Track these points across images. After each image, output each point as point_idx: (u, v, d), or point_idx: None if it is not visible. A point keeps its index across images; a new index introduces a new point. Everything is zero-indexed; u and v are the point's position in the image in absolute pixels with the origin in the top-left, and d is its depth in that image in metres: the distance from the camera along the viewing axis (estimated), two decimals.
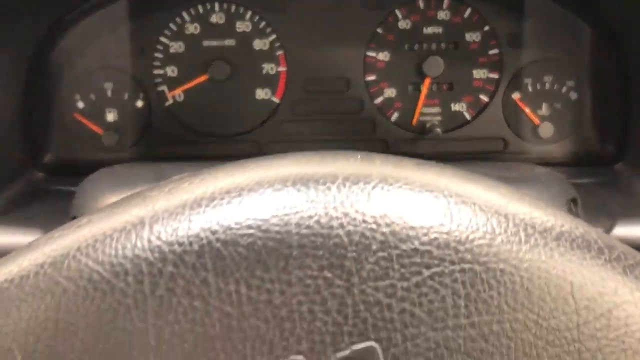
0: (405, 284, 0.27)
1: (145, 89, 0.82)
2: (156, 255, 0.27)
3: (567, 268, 0.28)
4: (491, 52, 0.81)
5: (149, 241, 0.28)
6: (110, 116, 0.82)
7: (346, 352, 0.27)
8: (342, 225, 0.27)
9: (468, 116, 0.82)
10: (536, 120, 0.82)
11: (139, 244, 0.28)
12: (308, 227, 0.27)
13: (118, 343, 0.27)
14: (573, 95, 0.82)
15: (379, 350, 0.27)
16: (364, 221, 0.27)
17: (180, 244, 0.28)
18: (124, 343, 0.27)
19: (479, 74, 0.81)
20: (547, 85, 0.82)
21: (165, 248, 0.28)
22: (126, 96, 0.82)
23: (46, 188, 0.80)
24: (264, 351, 0.27)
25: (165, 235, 0.28)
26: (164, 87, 0.82)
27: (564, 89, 0.82)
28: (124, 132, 0.82)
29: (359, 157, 0.31)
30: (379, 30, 0.81)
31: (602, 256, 0.29)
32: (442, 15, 0.81)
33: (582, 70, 0.82)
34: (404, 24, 0.81)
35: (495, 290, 0.27)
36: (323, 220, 0.27)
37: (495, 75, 0.82)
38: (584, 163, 0.82)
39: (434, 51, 0.81)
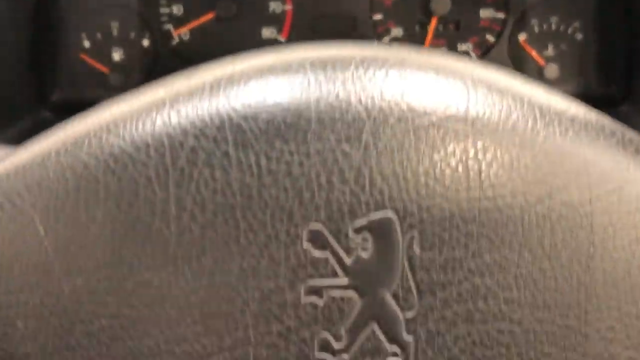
0: (420, 157, 0.28)
1: (152, 27, 0.82)
2: (177, 129, 0.28)
3: (580, 144, 0.29)
4: None
5: (170, 117, 0.28)
6: (117, 55, 0.82)
7: (363, 221, 0.28)
8: (360, 101, 0.28)
9: (474, 57, 0.83)
10: (541, 62, 0.82)
11: (159, 120, 0.28)
12: (327, 102, 0.28)
13: (140, 213, 0.28)
14: (579, 36, 0.82)
15: (395, 219, 0.28)
16: (382, 97, 0.28)
17: (201, 119, 0.28)
18: (146, 212, 0.28)
19: (485, 13, 0.81)
20: (553, 26, 0.82)
21: (186, 123, 0.28)
22: (132, 35, 0.82)
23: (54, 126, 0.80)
24: (284, 219, 0.27)
25: (185, 111, 0.28)
26: (169, 26, 0.82)
27: (569, 30, 0.82)
28: (130, 71, 0.82)
29: (375, 44, 0.32)
30: None
31: (615, 137, 0.29)
32: None
33: (588, 11, 0.82)
34: None
35: (509, 164, 0.28)
36: (342, 96, 0.28)
37: (501, 15, 0.81)
38: (589, 105, 0.82)
39: None
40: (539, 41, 0.82)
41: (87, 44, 0.82)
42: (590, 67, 0.83)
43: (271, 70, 0.29)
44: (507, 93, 0.29)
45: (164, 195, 0.28)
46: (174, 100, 0.29)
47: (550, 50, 0.82)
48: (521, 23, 0.82)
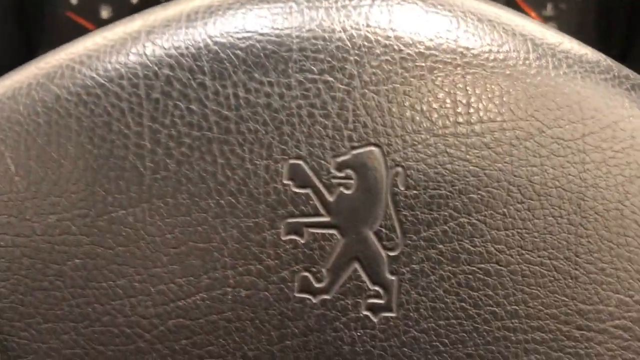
0: (407, 88, 0.26)
1: None
2: (152, 58, 0.27)
3: (574, 78, 0.27)
4: None
5: (145, 47, 0.27)
6: (105, 13, 0.80)
7: (346, 157, 0.27)
8: (344, 29, 0.27)
9: None
10: (540, 21, 0.80)
11: (134, 50, 0.27)
12: (309, 30, 0.27)
13: (113, 147, 0.27)
14: None
15: (379, 155, 0.26)
16: (368, 25, 0.27)
17: (177, 48, 0.27)
18: (119, 146, 0.27)
19: None
20: None
21: (161, 52, 0.27)
22: None
23: None
24: (263, 155, 0.26)
25: (161, 40, 0.27)
26: None
27: None
28: None
29: None
30: None
31: (611, 72, 0.28)
32: None
33: None
34: None
35: (499, 96, 0.27)
36: (325, 24, 0.27)
37: None
38: None
39: None
40: (538, 0, 0.81)
41: (74, 1, 0.80)
42: (589, 27, 0.81)
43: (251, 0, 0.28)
44: (498, 24, 0.28)
45: (138, 129, 0.27)
46: (150, 30, 0.28)
47: (549, 10, 0.81)
48: None
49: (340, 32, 0.26)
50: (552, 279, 0.27)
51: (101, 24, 0.80)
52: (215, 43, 0.27)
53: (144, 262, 0.27)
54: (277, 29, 0.27)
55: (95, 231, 0.27)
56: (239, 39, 0.27)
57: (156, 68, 0.26)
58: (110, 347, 0.28)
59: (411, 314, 0.27)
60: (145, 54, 0.27)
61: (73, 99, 0.27)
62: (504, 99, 0.27)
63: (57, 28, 0.81)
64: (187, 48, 0.27)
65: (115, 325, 0.28)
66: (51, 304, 0.28)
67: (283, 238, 0.27)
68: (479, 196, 0.27)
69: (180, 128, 0.26)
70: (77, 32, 0.81)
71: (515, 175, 0.27)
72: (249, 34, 0.27)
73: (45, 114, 0.27)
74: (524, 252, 0.27)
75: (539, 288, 0.28)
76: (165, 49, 0.27)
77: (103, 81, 0.27)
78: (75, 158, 0.27)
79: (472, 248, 0.27)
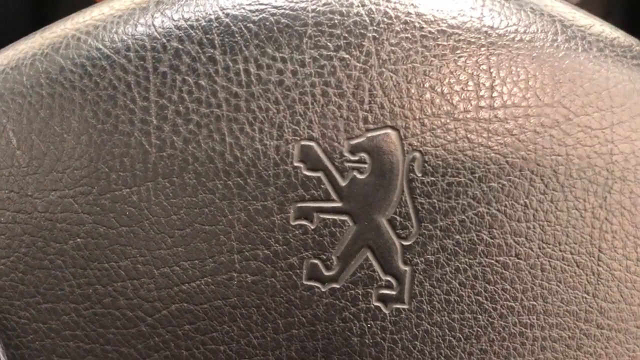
0: (427, 68, 0.25)
1: None
2: (160, 30, 0.25)
3: (604, 62, 0.26)
4: None
5: (153, 18, 0.26)
6: None
7: (361, 139, 0.25)
8: (362, 4, 0.25)
9: None
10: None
11: (142, 20, 0.26)
12: (326, 3, 0.25)
13: (118, 122, 0.26)
14: None
15: (396, 139, 0.25)
16: (388, 0, 0.25)
17: (187, 19, 0.25)
18: (124, 122, 0.25)
19: None
20: None
21: (170, 23, 0.25)
22: None
23: None
24: (273, 135, 0.25)
25: (170, 11, 0.26)
26: None
27: None
28: None
29: None
30: None
31: None
32: None
33: None
34: None
35: (524, 80, 0.25)
36: None
37: None
38: None
39: None
40: None
41: None
42: (616, 15, 0.79)
43: None
44: (525, 4, 0.26)
45: (145, 104, 0.25)
46: (159, 1, 0.26)
47: None
48: None
49: (358, 6, 0.25)
50: (573, 274, 0.26)
51: None
52: (227, 15, 0.25)
53: (148, 244, 0.26)
54: (292, 1, 0.25)
55: (98, 210, 0.26)
56: (251, 11, 0.25)
57: (164, 40, 0.25)
58: (111, 329, 0.27)
59: (424, 306, 0.26)
60: (154, 25, 0.25)
61: (78, 70, 0.26)
62: (530, 83, 0.25)
63: (71, 3, 0.80)
64: (197, 20, 0.25)
65: (117, 307, 0.27)
66: (52, 284, 0.27)
67: (292, 223, 0.26)
68: (499, 185, 0.25)
69: (188, 104, 0.25)
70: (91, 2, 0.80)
71: (538, 165, 0.25)
72: (263, 7, 0.25)
73: (49, 86, 0.26)
74: (544, 245, 0.26)
75: (559, 283, 0.26)
76: (174, 20, 0.25)
77: (109, 53, 0.25)
78: (79, 133, 0.26)
79: (490, 239, 0.26)
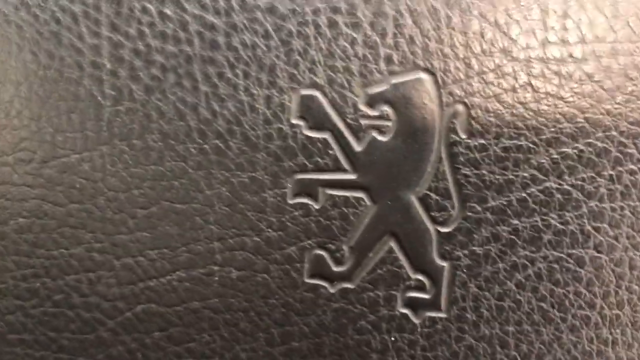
0: None
1: None
2: None
3: None
4: None
5: None
6: None
7: (382, 87, 0.18)
8: None
9: None
10: None
11: None
12: None
13: (63, 66, 0.20)
14: None
15: (431, 86, 0.18)
16: None
17: None
18: (71, 66, 0.20)
19: None
20: None
21: None
22: None
23: None
24: (262, 81, 0.19)
25: None
26: None
27: None
28: None
29: None
30: None
31: None
32: None
33: None
34: None
35: (611, 4, 0.18)
36: None
37: None
38: None
39: None
40: None
41: None
42: None
43: None
44: None
45: (95, 41, 0.19)
46: None
47: None
48: None
49: None
50: None
51: None
52: None
53: (104, 226, 0.20)
54: None
55: (42, 181, 0.20)
56: None
57: None
58: (65, 334, 0.21)
59: (468, 315, 0.19)
60: None
61: (12, 0, 0.20)
62: (619, 8, 0.18)
63: None
64: None
65: (70, 306, 0.21)
66: None
67: (290, 201, 0.19)
68: (575, 151, 0.18)
69: (149, 40, 0.19)
70: None
71: (630, 123, 0.18)
72: None
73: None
74: (636, 235, 0.19)
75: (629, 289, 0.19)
76: None
77: None
78: (17, 82, 0.20)
79: (560, 226, 0.19)
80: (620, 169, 0.19)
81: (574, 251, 0.19)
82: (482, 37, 0.18)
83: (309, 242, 0.20)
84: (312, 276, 0.20)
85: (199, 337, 0.21)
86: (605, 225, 0.19)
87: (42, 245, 0.21)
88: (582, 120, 0.19)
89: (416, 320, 0.20)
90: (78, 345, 0.21)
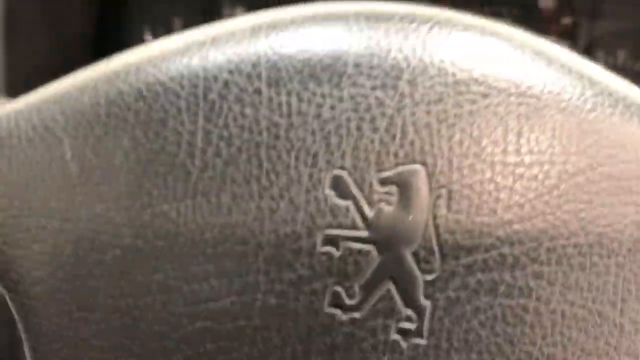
0: (458, 111, 0.26)
1: None
2: (213, 63, 0.28)
3: (630, 119, 0.27)
4: (565, 20, 0.79)
5: (208, 53, 0.28)
6: None
7: (390, 173, 0.27)
8: (400, 50, 0.27)
9: None
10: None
11: (197, 55, 0.28)
12: (366, 47, 0.27)
13: (166, 142, 0.28)
14: None
15: (424, 175, 0.26)
16: (424, 48, 0.27)
17: (238, 55, 0.28)
18: (172, 143, 0.27)
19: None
20: (620, 61, 0.79)
21: (223, 57, 0.28)
22: None
23: None
24: (308, 162, 0.27)
25: (224, 48, 0.28)
26: None
27: (636, 66, 0.79)
28: None
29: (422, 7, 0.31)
30: None
31: None
32: None
33: None
34: None
35: (551, 129, 0.26)
36: (382, 43, 0.27)
37: (566, 45, 0.80)
38: None
39: (505, 15, 0.80)
40: None
41: (150, 38, 0.85)
42: None
43: (314, 18, 0.29)
44: (556, 60, 0.28)
45: (192, 128, 0.27)
46: (214, 38, 0.29)
47: None
48: (587, 55, 0.80)
49: (396, 52, 0.27)
50: (595, 324, 0.26)
51: None
52: (275, 53, 0.27)
53: (181, 259, 0.27)
54: (336, 44, 0.27)
55: (137, 224, 0.28)
56: (297, 50, 0.27)
57: (216, 71, 0.27)
58: (136, 342, 0.28)
59: (442, 343, 0.26)
60: (208, 59, 0.28)
61: (134, 93, 0.28)
62: (557, 132, 0.26)
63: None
64: (247, 55, 0.27)
65: (145, 320, 0.28)
66: (88, 293, 0.28)
67: (319, 249, 0.27)
68: (523, 228, 0.26)
69: (232, 130, 0.27)
70: None
71: (563, 210, 0.26)
72: (308, 47, 0.27)
73: (107, 106, 0.28)
74: (566, 291, 0.26)
75: (579, 332, 0.26)
76: (226, 54, 0.28)
77: (164, 79, 0.28)
78: (129, 150, 0.28)
79: (512, 280, 0.26)
80: (555, 241, 0.26)
81: (521, 300, 0.26)
82: (461, 144, 0.26)
83: (330, 280, 0.27)
84: (330, 305, 0.27)
85: (240, 349, 0.27)
86: (544, 282, 0.26)
87: (129, 272, 0.28)
88: (528, 207, 0.26)
89: (404, 345, 0.27)
90: (145, 352, 0.28)
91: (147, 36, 0.85)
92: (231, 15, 0.83)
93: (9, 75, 0.78)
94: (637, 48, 0.79)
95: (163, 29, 0.84)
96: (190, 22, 0.84)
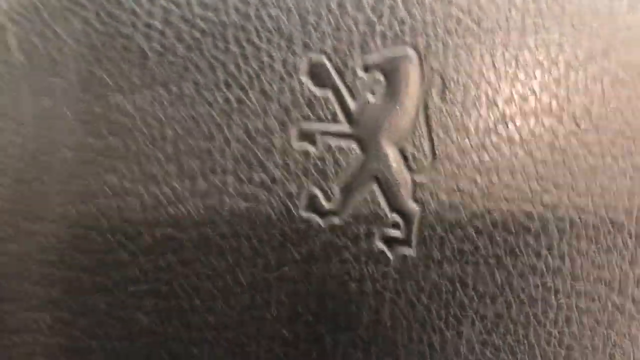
0: None
1: None
2: None
3: None
4: None
5: None
6: None
7: (376, 57, 0.23)
8: None
9: None
10: None
11: None
12: None
13: (120, 24, 0.24)
14: None
15: (415, 59, 0.23)
16: None
17: None
18: (127, 25, 0.24)
19: None
20: None
21: None
22: None
23: None
24: (281, 46, 0.23)
25: None
26: None
27: None
28: None
29: None
30: None
31: None
32: None
33: None
34: None
35: (558, 9, 0.23)
36: None
37: None
38: None
39: None
40: None
41: None
42: None
43: None
44: None
45: (150, 7, 0.24)
46: None
47: None
48: None
49: None
50: (607, 233, 0.23)
51: None
52: None
53: (138, 158, 0.24)
54: None
55: (90, 118, 0.24)
56: None
57: None
58: (87, 254, 0.25)
59: (433, 254, 0.23)
60: None
61: None
62: (566, 9, 0.23)
63: None
64: None
65: (97, 228, 0.24)
66: (33, 202, 0.25)
67: (294, 145, 0.23)
68: (526, 123, 0.23)
69: (195, 9, 0.24)
70: None
71: (572, 104, 0.23)
72: None
73: None
74: (575, 196, 0.23)
75: (589, 242, 0.23)
76: None
77: None
78: (80, 36, 0.24)
79: (513, 183, 0.23)
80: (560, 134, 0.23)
81: (524, 207, 0.23)
82: (458, 23, 0.23)
83: (306, 180, 0.24)
84: (306, 209, 0.24)
85: (205, 261, 0.24)
86: (550, 184, 0.23)
87: (79, 175, 0.25)
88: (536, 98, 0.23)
89: (390, 256, 0.23)
90: (97, 265, 0.25)
91: None
92: None
93: None
94: None
95: None
96: None
